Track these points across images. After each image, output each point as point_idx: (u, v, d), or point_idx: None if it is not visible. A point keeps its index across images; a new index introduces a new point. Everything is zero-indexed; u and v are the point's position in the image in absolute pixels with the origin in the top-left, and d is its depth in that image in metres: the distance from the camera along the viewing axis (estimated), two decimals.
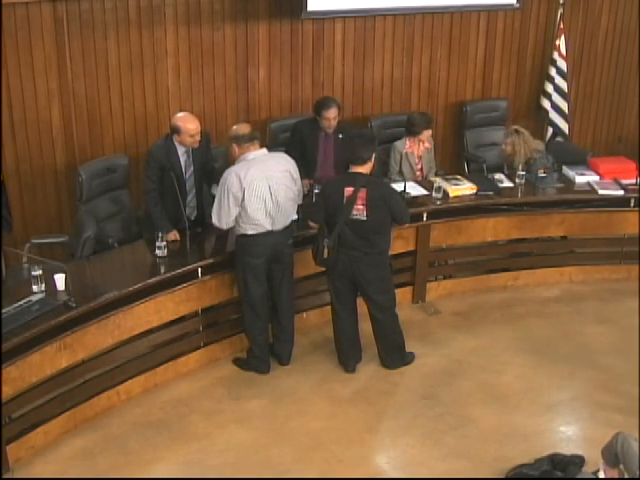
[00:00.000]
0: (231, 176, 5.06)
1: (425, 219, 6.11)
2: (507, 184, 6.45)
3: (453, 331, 6.03)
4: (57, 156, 6.13)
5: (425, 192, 6.24)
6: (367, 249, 5.19)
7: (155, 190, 5.50)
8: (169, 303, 5.19)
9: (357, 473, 4.63)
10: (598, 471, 4.21)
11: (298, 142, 6.32)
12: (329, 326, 5.62)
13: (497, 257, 6.77)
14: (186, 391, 5.33)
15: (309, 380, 5.45)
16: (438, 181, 6.30)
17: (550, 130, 7.73)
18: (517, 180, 6.42)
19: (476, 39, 7.41)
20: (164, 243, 5.26)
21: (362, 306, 5.50)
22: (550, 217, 6.44)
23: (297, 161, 5.42)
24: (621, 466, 4.02)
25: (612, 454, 4.01)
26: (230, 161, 5.54)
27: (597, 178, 6.61)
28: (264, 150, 5.22)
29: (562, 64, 7.52)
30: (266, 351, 5.51)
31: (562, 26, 7.44)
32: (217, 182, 5.31)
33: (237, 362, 5.61)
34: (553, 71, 7.55)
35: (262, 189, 5.07)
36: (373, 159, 5.17)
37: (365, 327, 5.53)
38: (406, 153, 6.52)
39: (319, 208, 5.29)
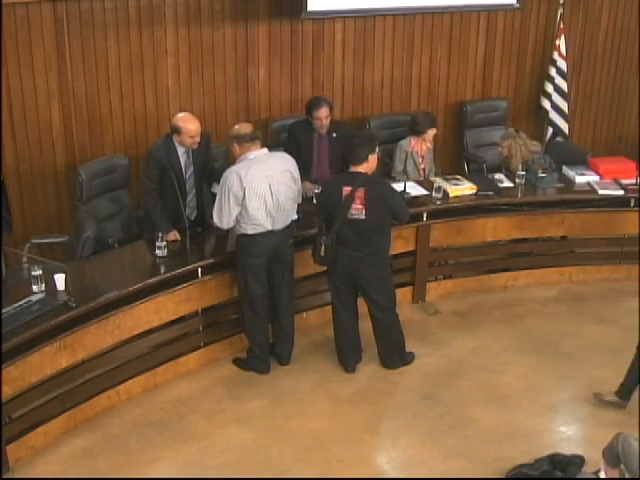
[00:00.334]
0: (232, 175, 5.06)
1: (425, 219, 6.11)
2: (507, 184, 6.45)
3: (453, 331, 6.03)
4: (57, 156, 6.13)
5: (425, 192, 6.24)
6: (367, 249, 5.19)
7: (155, 190, 5.50)
8: (169, 303, 5.19)
9: (357, 473, 4.63)
10: (599, 471, 4.21)
11: (294, 143, 6.31)
12: (329, 326, 5.62)
13: (497, 257, 6.77)
14: (186, 391, 5.33)
15: (309, 380, 5.45)
16: (438, 181, 6.30)
17: (550, 130, 7.72)
18: (517, 180, 6.42)
19: (476, 39, 7.41)
20: (164, 243, 5.26)
21: (362, 306, 5.50)
22: (550, 217, 6.43)
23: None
24: (622, 466, 4.02)
25: (613, 454, 4.01)
26: (230, 161, 5.54)
27: (597, 178, 6.61)
28: (265, 150, 5.22)
29: (562, 64, 7.51)
30: (266, 351, 5.51)
31: (562, 26, 7.44)
32: (217, 181, 5.32)
33: (237, 362, 5.61)
34: (553, 71, 7.54)
35: (263, 188, 5.07)
36: (373, 158, 5.17)
37: (365, 327, 5.53)
38: (411, 152, 6.53)
39: (319, 207, 5.32)
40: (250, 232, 5.16)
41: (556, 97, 7.60)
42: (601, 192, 6.42)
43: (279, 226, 5.24)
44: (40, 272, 4.77)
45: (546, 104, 7.64)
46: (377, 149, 5.21)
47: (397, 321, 5.50)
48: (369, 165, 5.15)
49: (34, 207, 6.16)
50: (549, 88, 7.61)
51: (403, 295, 6.17)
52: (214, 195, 5.34)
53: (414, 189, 6.23)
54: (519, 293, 6.54)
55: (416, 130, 6.49)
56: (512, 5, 7.20)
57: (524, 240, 6.62)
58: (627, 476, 4.00)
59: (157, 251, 5.25)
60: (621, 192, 6.42)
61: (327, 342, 5.74)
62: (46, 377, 4.69)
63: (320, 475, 4.60)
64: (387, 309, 5.43)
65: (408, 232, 6.06)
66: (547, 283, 6.65)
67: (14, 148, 5.95)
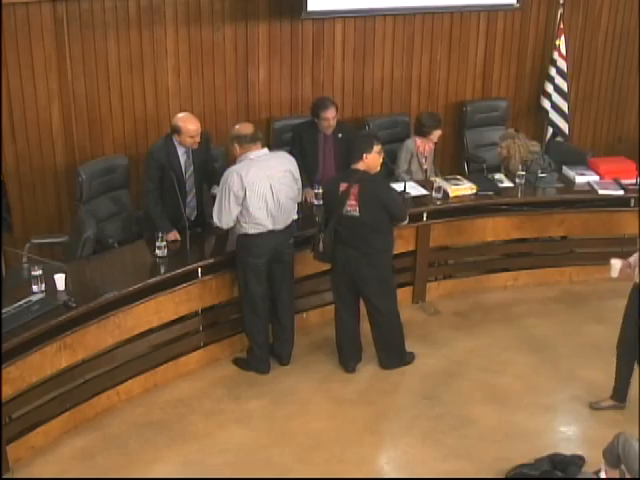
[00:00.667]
0: (232, 175, 5.06)
1: (425, 219, 6.11)
2: (507, 184, 6.44)
3: (453, 331, 6.03)
4: (57, 156, 6.13)
5: (425, 192, 6.24)
6: (364, 248, 5.19)
7: (155, 190, 5.49)
8: (169, 303, 5.19)
9: (357, 473, 4.62)
10: (599, 471, 4.21)
11: (298, 145, 6.31)
12: (329, 326, 5.62)
13: (497, 257, 6.78)
14: (186, 391, 5.33)
15: (309, 380, 5.45)
16: (438, 181, 6.30)
17: (550, 130, 7.73)
18: (517, 180, 6.42)
19: (476, 39, 7.41)
20: (164, 243, 5.25)
21: (364, 306, 5.50)
22: (550, 217, 6.43)
23: (300, 164, 5.44)
24: (622, 467, 4.02)
25: (614, 455, 4.01)
26: (230, 161, 5.54)
27: (597, 178, 6.60)
28: (265, 150, 5.22)
29: (562, 64, 7.51)
30: (266, 351, 5.51)
31: (562, 26, 7.44)
32: (217, 183, 5.32)
33: (237, 362, 5.61)
34: (553, 71, 7.55)
35: (263, 188, 5.07)
36: (371, 157, 5.14)
37: (366, 327, 5.53)
38: (416, 152, 6.53)
39: (323, 203, 5.39)
40: (251, 232, 5.16)
41: (556, 97, 7.60)
42: (601, 192, 6.42)
43: (280, 226, 5.24)
44: (40, 272, 4.76)
45: (546, 104, 7.64)
46: (376, 148, 5.19)
47: (396, 322, 5.49)
48: (366, 163, 5.15)
49: (34, 207, 6.16)
50: (549, 88, 7.61)
51: (403, 295, 6.16)
52: (214, 197, 5.34)
53: (414, 189, 6.23)
54: (519, 293, 6.54)
55: (421, 131, 6.49)
56: (512, 5, 7.20)
57: (524, 240, 6.62)
58: (627, 477, 4.00)
59: (157, 251, 5.25)
60: (621, 192, 6.42)
61: (327, 342, 5.74)
62: (46, 377, 4.69)
63: (320, 475, 4.60)
64: (386, 310, 5.40)
65: (408, 232, 6.06)
66: (547, 283, 6.65)
67: (14, 148, 5.95)
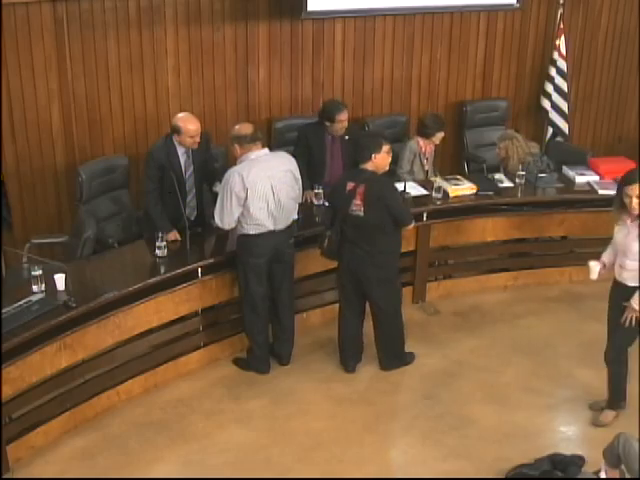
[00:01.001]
0: (234, 176, 5.06)
1: (425, 219, 6.11)
2: (507, 184, 6.44)
3: (453, 331, 6.03)
4: (57, 156, 6.13)
5: (425, 192, 6.24)
6: (368, 247, 5.19)
7: (155, 190, 5.49)
8: (169, 303, 5.19)
9: (357, 473, 4.62)
10: (599, 471, 4.21)
11: (304, 146, 6.28)
12: (329, 326, 5.62)
13: (497, 257, 6.77)
14: (186, 391, 5.33)
15: (309, 380, 5.45)
16: (438, 181, 6.30)
17: (550, 130, 7.73)
18: (517, 180, 6.42)
19: (476, 39, 7.42)
20: (164, 243, 5.25)
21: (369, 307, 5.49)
22: (550, 217, 6.43)
23: (306, 166, 5.43)
24: (622, 467, 4.02)
25: (614, 455, 4.01)
26: (230, 160, 5.54)
27: (597, 178, 6.60)
28: (265, 150, 5.22)
29: (562, 64, 7.52)
30: (266, 351, 5.51)
31: (562, 26, 7.44)
32: (219, 180, 5.31)
33: (237, 362, 5.61)
34: (553, 71, 7.55)
35: (265, 189, 5.07)
36: (380, 157, 5.13)
37: (367, 327, 5.52)
38: (419, 153, 6.53)
39: (330, 201, 5.40)
40: (252, 232, 5.16)
41: (556, 97, 7.60)
42: (601, 192, 6.41)
43: (281, 226, 5.24)
44: (40, 272, 4.76)
45: (546, 104, 7.65)
46: (385, 148, 5.17)
47: (398, 324, 5.48)
48: (375, 163, 5.14)
49: (34, 207, 6.16)
50: (549, 88, 7.61)
51: (403, 295, 6.16)
52: (215, 195, 5.34)
53: (414, 189, 6.23)
54: (519, 293, 6.54)
55: (425, 132, 6.48)
56: (512, 5, 7.20)
57: (524, 240, 6.62)
58: (627, 477, 4.00)
59: (157, 251, 5.25)
60: None
61: (327, 342, 5.74)
62: (46, 377, 4.69)
63: (320, 475, 4.60)
64: (388, 313, 5.40)
65: (408, 232, 6.00)
66: (547, 283, 6.65)
67: (14, 148, 5.95)
